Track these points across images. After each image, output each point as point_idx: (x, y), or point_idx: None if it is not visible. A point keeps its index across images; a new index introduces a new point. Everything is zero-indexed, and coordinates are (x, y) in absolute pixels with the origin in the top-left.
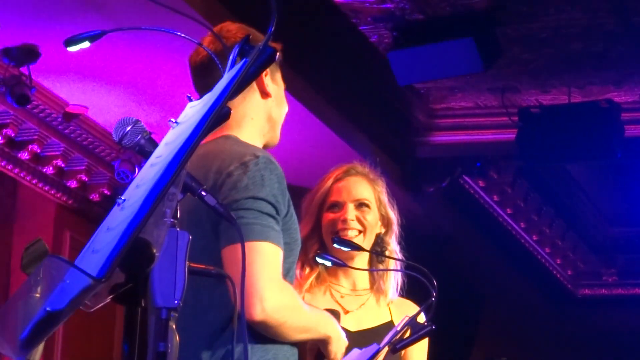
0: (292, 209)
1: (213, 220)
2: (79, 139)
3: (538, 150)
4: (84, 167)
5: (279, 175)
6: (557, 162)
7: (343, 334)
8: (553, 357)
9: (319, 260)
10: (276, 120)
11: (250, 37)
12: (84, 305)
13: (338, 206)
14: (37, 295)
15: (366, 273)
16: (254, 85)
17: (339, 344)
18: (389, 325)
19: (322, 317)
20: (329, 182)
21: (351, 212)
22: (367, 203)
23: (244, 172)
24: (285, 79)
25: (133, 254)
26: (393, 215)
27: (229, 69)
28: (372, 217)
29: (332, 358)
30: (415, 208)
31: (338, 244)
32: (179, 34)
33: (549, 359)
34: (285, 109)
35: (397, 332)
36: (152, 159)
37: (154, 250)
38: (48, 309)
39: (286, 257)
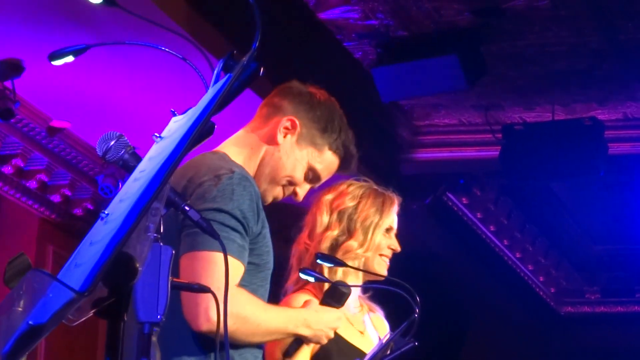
0: (265, 231)
1: (179, 228)
2: (62, 153)
3: (522, 167)
4: (67, 182)
5: (253, 193)
6: (541, 180)
7: (321, 324)
8: None
9: (302, 275)
10: (274, 177)
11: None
12: (66, 319)
13: (391, 232)
14: (20, 309)
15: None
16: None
17: (317, 337)
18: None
19: (292, 318)
20: (394, 208)
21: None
22: None
23: (215, 184)
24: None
25: (116, 268)
26: None
27: (213, 84)
28: None
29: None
30: (398, 225)
31: (321, 260)
32: (163, 48)
33: None
34: (280, 190)
35: (380, 349)
36: (136, 173)
37: (137, 265)
38: (30, 322)
39: (251, 279)
